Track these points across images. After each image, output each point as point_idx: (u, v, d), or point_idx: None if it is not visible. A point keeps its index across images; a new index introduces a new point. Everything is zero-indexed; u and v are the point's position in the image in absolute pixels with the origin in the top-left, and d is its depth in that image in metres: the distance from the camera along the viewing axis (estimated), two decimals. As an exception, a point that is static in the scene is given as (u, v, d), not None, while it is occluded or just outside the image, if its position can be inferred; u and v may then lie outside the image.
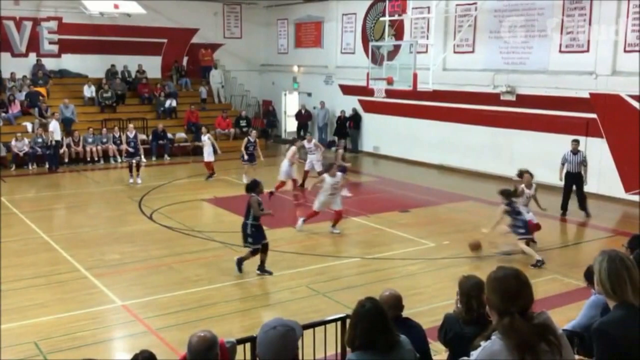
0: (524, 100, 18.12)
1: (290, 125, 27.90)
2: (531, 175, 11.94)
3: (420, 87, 17.18)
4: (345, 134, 24.34)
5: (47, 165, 20.40)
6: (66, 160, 21.00)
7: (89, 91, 23.86)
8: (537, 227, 11.70)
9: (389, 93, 18.78)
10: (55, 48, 24.60)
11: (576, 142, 14.60)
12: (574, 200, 14.59)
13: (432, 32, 18.52)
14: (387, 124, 22.55)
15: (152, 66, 26.04)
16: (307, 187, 17.08)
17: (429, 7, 18.66)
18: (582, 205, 14.53)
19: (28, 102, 22.34)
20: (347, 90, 24.33)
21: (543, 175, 17.38)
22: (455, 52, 20.08)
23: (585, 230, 14.14)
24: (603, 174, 16.09)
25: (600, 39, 16.18)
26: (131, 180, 18.00)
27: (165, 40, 26.53)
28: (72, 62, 24.84)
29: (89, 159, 21.47)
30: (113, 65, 24.98)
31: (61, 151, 20.70)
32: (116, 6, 22.75)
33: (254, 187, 10.32)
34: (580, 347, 5.07)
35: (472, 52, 19.81)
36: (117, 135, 21.25)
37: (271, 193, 15.70)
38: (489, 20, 19.11)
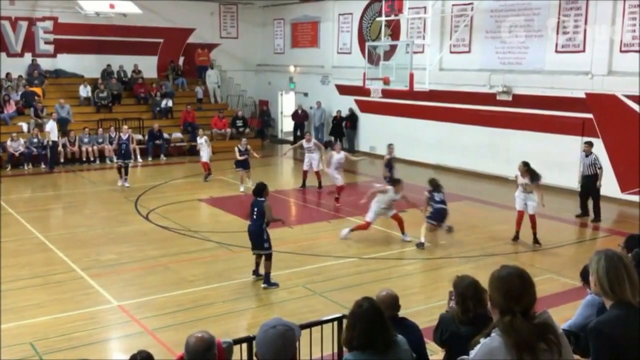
0: (520, 100, 18.15)
1: (286, 125, 27.92)
2: (524, 164, 12.16)
3: (417, 87, 17.17)
4: (342, 134, 24.37)
5: (43, 166, 20.37)
6: (62, 160, 20.94)
7: (84, 91, 23.81)
8: (530, 219, 12.17)
9: (386, 93, 18.78)
10: (50, 48, 24.54)
11: (587, 144, 14.41)
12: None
13: (429, 32, 18.53)
14: (384, 124, 22.55)
15: (148, 66, 26.00)
16: (322, 189, 17.17)
17: (425, 7, 18.68)
18: (594, 208, 14.32)
19: (23, 102, 22.29)
20: (343, 90, 24.34)
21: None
22: (451, 52, 20.10)
23: (582, 230, 14.17)
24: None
25: (596, 39, 16.22)
26: (119, 183, 17.59)
27: (161, 40, 26.48)
28: (67, 62, 24.78)
29: (84, 159, 21.43)
30: (109, 65, 24.93)
31: (56, 151, 20.63)
32: (112, 6, 22.70)
33: (262, 190, 9.86)
34: (576, 347, 5.05)
35: (469, 52, 19.84)
36: (113, 135, 21.20)
37: (336, 199, 15.67)
38: (485, 20, 19.14)
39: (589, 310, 5.00)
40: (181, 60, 27.16)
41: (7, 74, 22.97)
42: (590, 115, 16.50)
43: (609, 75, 16.11)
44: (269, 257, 9.79)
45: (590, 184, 14.23)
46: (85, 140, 21.58)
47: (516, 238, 12.40)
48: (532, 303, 3.02)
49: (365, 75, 18.60)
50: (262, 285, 9.80)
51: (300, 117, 25.96)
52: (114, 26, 24.72)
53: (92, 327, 8.48)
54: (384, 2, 18.49)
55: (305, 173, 17.48)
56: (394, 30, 20.36)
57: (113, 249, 11.95)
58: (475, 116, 19.27)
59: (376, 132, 23.17)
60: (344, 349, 4.02)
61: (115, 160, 18.71)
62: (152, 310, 8.96)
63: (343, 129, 24.36)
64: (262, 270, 9.95)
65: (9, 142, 20.35)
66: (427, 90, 17.73)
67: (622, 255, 3.46)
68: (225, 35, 28.14)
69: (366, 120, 23.76)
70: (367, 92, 19.18)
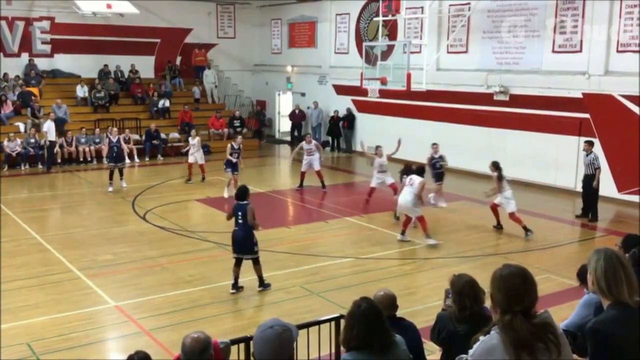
0: (517, 100, 18.16)
1: (284, 125, 27.91)
2: (493, 164, 13.07)
3: (414, 87, 17.19)
4: (339, 134, 24.38)
5: (40, 166, 20.33)
6: (59, 160, 20.90)
7: (81, 91, 23.77)
8: (513, 217, 12.84)
9: (383, 93, 18.79)
10: (47, 48, 24.50)
11: (587, 143, 14.42)
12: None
13: (426, 32, 18.56)
14: (381, 123, 22.55)
15: (145, 66, 25.96)
16: (326, 189, 17.14)
17: (422, 8, 18.70)
18: (591, 208, 14.28)
19: (20, 102, 22.24)
20: (340, 90, 24.34)
21: (535, 174, 17.56)
22: (448, 52, 20.11)
23: (579, 230, 14.17)
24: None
25: (593, 39, 16.23)
26: (110, 189, 16.94)
27: (158, 40, 26.45)
28: (64, 62, 24.75)
29: (81, 159, 21.38)
30: (106, 65, 24.89)
31: (54, 151, 20.61)
32: (109, 6, 22.66)
33: (245, 193, 9.63)
34: (573, 346, 5.07)
35: (466, 52, 19.85)
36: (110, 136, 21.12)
37: (367, 200, 15.51)
38: (482, 20, 19.15)
39: (586, 310, 5.01)
40: (178, 60, 27.13)
41: (4, 74, 22.93)
42: (587, 115, 16.51)
43: (606, 75, 16.13)
44: (258, 261, 9.60)
45: (587, 183, 14.26)
46: (82, 140, 21.54)
47: (497, 226, 13.33)
48: (533, 303, 3.00)
49: (362, 75, 18.61)
50: (259, 289, 9.67)
51: (297, 117, 25.98)
52: (111, 26, 24.69)
53: (89, 327, 8.46)
54: (381, 2, 18.52)
55: (303, 174, 17.27)
56: (391, 30, 20.35)
57: (110, 249, 11.92)
58: (472, 116, 19.28)
59: (373, 132, 23.14)
60: (342, 349, 4.01)
61: (107, 163, 17.78)
62: (149, 311, 8.94)
63: (340, 129, 24.37)
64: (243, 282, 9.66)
65: (5, 142, 20.30)
66: (424, 90, 17.73)
67: (621, 255, 3.45)
68: (222, 35, 28.13)
69: (363, 120, 23.75)
70: (364, 92, 19.17)
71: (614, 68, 16.05)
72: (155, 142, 22.58)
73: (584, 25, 16.50)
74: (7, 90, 22.40)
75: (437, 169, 15.37)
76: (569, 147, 16.65)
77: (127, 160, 21.47)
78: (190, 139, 18.55)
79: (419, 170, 12.63)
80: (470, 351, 3.03)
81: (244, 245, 9.47)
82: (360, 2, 23.55)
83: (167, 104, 24.54)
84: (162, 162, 22.14)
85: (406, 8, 18.45)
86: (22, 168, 20.30)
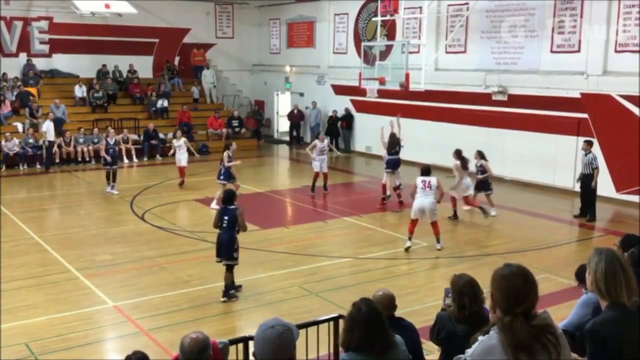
0: (515, 100, 18.17)
1: (282, 125, 27.90)
2: (456, 152, 14.25)
3: (413, 87, 17.19)
4: (337, 134, 24.38)
5: (38, 166, 20.30)
6: (57, 160, 20.87)
7: (80, 91, 23.74)
8: (467, 201, 14.10)
9: (381, 93, 18.79)
10: (46, 48, 24.46)
11: (586, 142, 14.39)
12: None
13: (424, 32, 18.53)
14: (379, 124, 22.45)
15: (144, 66, 25.94)
16: (328, 190, 16.91)
17: (420, 8, 18.68)
18: (589, 208, 14.24)
19: (18, 102, 22.21)
20: (339, 90, 24.33)
21: (533, 174, 17.57)
22: (447, 52, 20.11)
23: (577, 230, 14.18)
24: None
25: (591, 39, 16.25)
26: (108, 189, 16.80)
27: (156, 40, 26.43)
28: (63, 62, 24.72)
29: (80, 159, 21.35)
30: (104, 65, 24.86)
31: (52, 151, 20.59)
32: (107, 6, 22.66)
33: (232, 197, 9.39)
34: (571, 346, 5.07)
35: (464, 52, 19.85)
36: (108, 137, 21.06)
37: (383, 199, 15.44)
38: (480, 20, 19.16)
39: (584, 310, 5.01)
40: (177, 60, 27.11)
41: (3, 74, 22.89)
42: (585, 115, 16.53)
43: (604, 75, 16.14)
44: (231, 269, 9.27)
45: (585, 182, 14.27)
46: (81, 140, 21.51)
47: (453, 217, 14.11)
48: (534, 304, 2.97)
49: (361, 75, 18.60)
50: (222, 299, 9.21)
51: (296, 117, 25.99)
52: (109, 26, 24.66)
53: (88, 327, 8.46)
54: (379, 2, 18.51)
55: (317, 175, 16.48)
56: (390, 31, 20.34)
57: (108, 249, 11.92)
58: (470, 116, 19.28)
59: (372, 132, 23.12)
60: (340, 349, 4.01)
61: (103, 166, 17.17)
62: (148, 311, 8.94)
63: (339, 129, 24.38)
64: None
65: (3, 142, 20.27)
66: (423, 90, 17.73)
67: (621, 257, 3.44)
68: (221, 35, 28.11)
69: (362, 120, 23.74)
70: (362, 92, 19.18)
71: (613, 68, 16.07)
72: (153, 142, 22.56)
73: (582, 25, 16.51)
74: (6, 90, 22.37)
75: (482, 173, 14.49)
76: (568, 147, 16.66)
77: (126, 161, 21.54)
78: (174, 140, 17.89)
79: (427, 170, 12.13)
80: (469, 351, 3.02)
81: (226, 250, 9.24)
82: (359, 2, 23.54)
83: (166, 104, 24.52)
84: (161, 162, 22.11)
85: (404, 8, 18.45)
86: (21, 168, 20.28)
